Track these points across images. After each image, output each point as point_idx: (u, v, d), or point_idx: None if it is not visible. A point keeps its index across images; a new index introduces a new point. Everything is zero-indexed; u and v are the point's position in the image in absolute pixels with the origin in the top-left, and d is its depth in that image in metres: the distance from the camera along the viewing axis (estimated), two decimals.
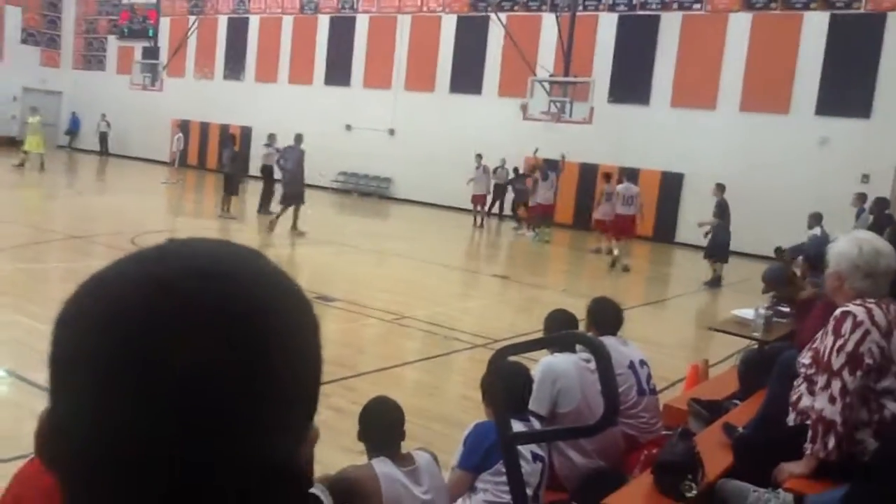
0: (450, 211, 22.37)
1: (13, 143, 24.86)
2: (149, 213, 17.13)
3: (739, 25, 19.67)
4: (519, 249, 17.50)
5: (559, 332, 4.10)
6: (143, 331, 0.51)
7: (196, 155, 29.43)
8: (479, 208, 19.81)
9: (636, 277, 14.88)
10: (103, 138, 30.99)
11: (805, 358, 3.31)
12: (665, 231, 20.22)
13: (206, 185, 25.43)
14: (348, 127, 25.22)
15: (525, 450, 3.19)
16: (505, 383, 3.33)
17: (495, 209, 21.37)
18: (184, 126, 28.97)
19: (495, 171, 20.79)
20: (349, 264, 13.01)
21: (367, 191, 25.44)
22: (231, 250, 0.58)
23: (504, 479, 3.15)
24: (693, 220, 17.69)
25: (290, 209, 14.91)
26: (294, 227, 14.89)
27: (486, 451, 3.20)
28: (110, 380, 0.51)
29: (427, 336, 8.46)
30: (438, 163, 23.22)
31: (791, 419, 3.37)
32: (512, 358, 3.24)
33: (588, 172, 20.67)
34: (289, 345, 0.55)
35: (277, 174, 16.09)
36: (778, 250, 14.76)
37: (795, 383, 3.39)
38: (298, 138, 15.47)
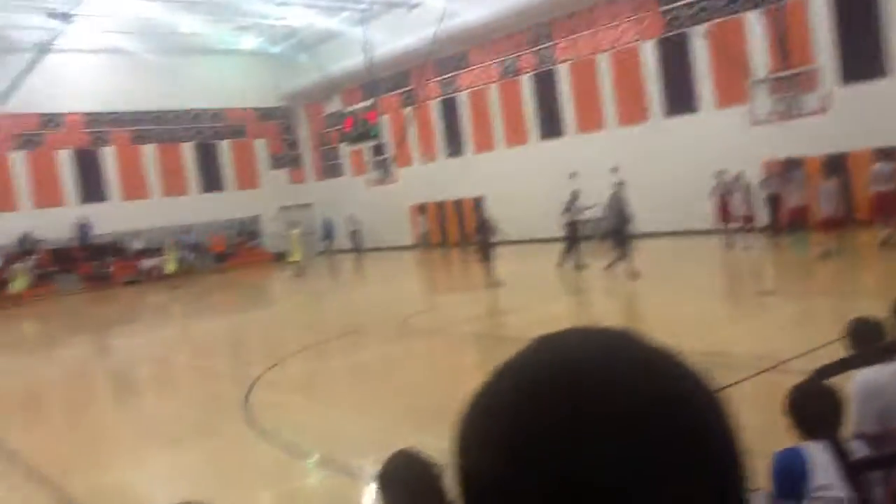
0: (694, 236, 21.66)
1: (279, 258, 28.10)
2: (409, 295, 18.42)
3: None
4: (779, 263, 16.62)
5: (868, 343, 4.02)
6: (569, 419, 0.53)
7: (438, 233, 31.29)
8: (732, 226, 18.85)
9: None
10: (354, 236, 33.91)
11: None
12: None
13: (454, 259, 26.81)
14: (572, 175, 25.50)
15: (834, 477, 3.02)
16: (820, 406, 3.29)
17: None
18: (422, 209, 30.99)
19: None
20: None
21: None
22: (633, 339, 0.59)
23: None
24: None
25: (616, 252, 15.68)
26: (630, 270, 15.20)
27: (795, 479, 3.04)
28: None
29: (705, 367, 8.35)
30: (674, 188, 22.69)
31: None
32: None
33: (835, 164, 19.21)
34: (712, 434, 0.56)
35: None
36: None
37: None
38: (620, 186, 16.32)
